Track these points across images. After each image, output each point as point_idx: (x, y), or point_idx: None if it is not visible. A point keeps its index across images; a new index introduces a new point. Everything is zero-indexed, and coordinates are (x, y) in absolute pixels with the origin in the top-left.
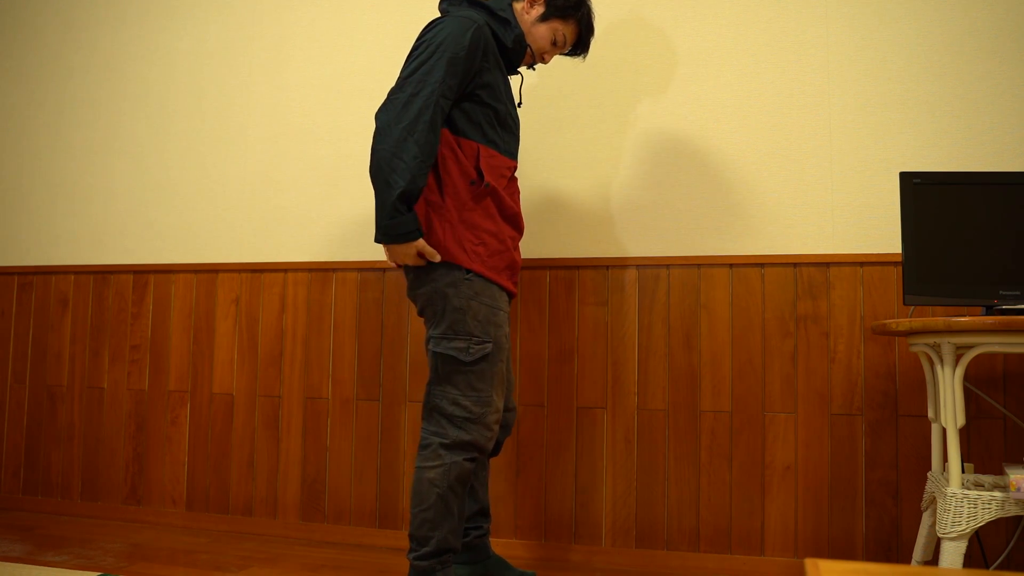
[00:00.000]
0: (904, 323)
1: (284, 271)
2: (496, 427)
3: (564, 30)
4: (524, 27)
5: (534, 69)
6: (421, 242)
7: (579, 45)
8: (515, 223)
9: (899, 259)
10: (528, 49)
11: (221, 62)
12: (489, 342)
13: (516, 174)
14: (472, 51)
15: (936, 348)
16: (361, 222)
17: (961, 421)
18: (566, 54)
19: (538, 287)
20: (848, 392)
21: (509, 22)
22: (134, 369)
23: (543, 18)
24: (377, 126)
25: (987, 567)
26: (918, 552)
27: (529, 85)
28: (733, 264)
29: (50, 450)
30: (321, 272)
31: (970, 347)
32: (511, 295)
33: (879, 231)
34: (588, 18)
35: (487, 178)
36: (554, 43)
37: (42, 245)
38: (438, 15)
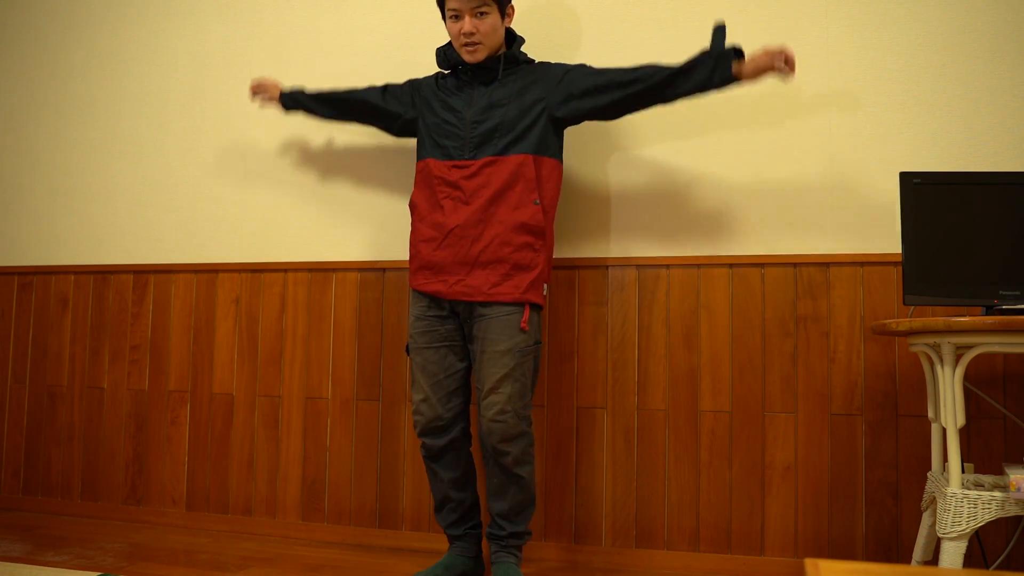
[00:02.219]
0: (904, 323)
1: (284, 271)
2: (418, 412)
3: (449, 5)
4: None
5: (465, 64)
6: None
7: None
8: (429, 222)
9: (899, 259)
10: (446, 54)
11: (221, 62)
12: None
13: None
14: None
15: (936, 348)
16: (361, 222)
17: (961, 421)
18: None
19: None
20: (848, 392)
21: (439, 56)
22: (134, 369)
23: (444, 18)
24: None
25: (987, 567)
26: (918, 552)
27: None
28: (733, 264)
29: (50, 450)
30: (321, 272)
31: (970, 347)
32: (438, 297)
33: (879, 231)
34: None
35: (412, 194)
36: (455, 18)
37: (42, 245)
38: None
